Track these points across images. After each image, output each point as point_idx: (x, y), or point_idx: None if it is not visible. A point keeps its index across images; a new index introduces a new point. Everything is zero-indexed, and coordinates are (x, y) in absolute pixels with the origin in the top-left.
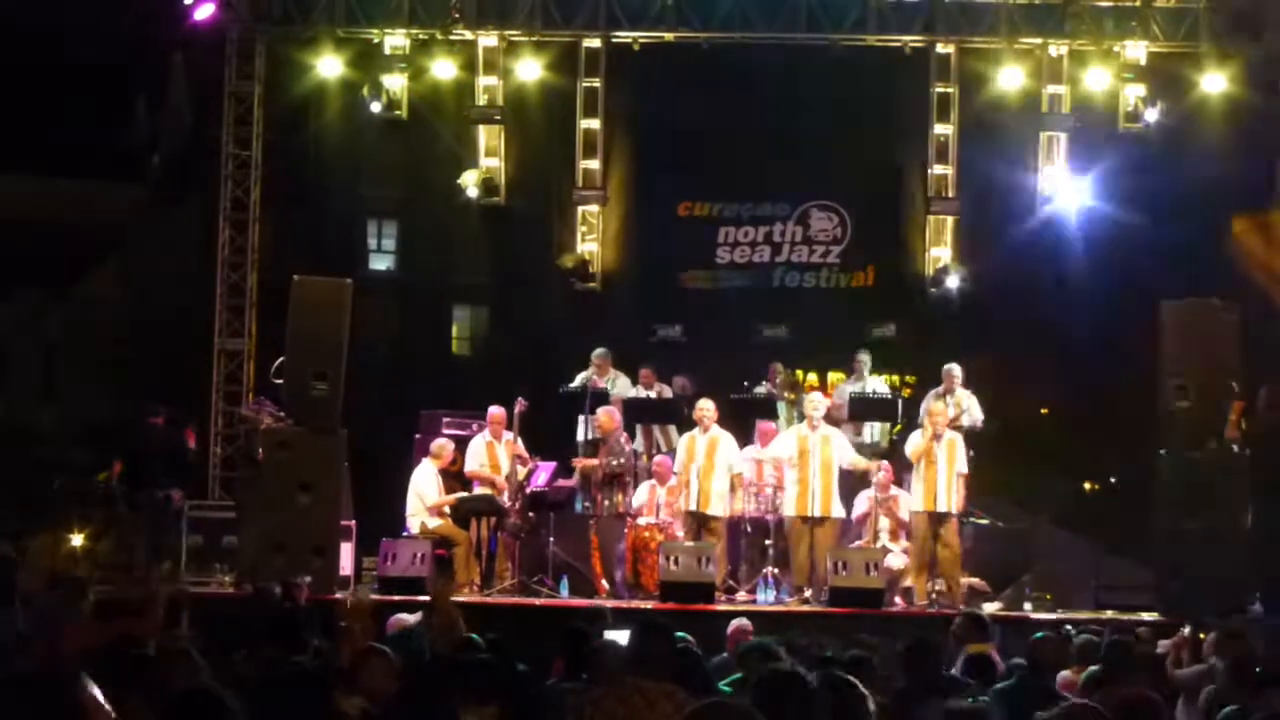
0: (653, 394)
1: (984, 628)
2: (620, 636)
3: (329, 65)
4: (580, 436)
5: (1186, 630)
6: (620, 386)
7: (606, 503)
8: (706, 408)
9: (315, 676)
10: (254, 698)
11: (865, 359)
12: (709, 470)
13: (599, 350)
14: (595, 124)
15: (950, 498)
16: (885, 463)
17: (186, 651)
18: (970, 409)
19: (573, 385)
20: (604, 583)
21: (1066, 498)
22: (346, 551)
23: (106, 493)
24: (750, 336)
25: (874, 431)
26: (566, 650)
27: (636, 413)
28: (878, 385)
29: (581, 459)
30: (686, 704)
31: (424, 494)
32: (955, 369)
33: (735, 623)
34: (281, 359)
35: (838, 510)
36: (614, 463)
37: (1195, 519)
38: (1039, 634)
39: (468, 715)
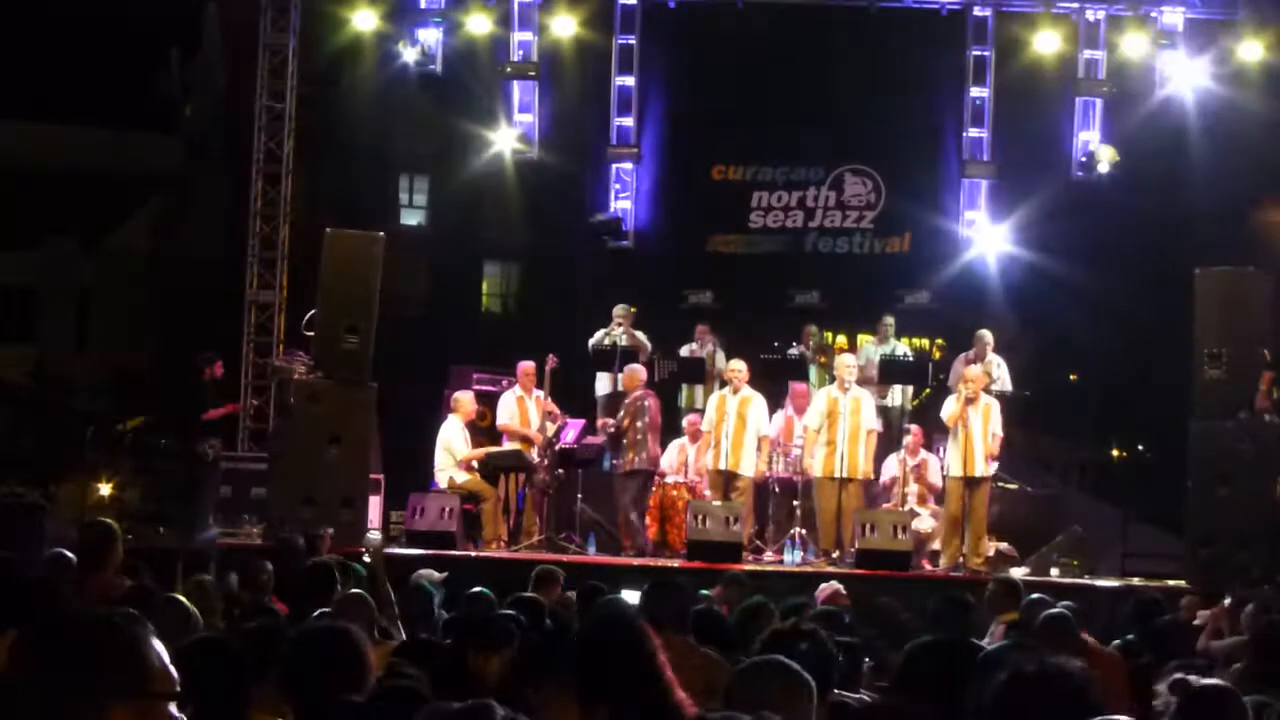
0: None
1: (1017, 594)
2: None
3: (364, 19)
4: (599, 392)
5: (1227, 601)
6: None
7: (624, 460)
8: (738, 368)
9: (345, 626)
10: (288, 650)
11: (890, 322)
12: (740, 430)
13: (621, 306)
14: (630, 81)
15: (985, 462)
16: (915, 426)
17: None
18: (1002, 376)
19: (603, 341)
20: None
21: (1095, 464)
22: (375, 505)
23: (136, 442)
24: (782, 302)
25: (899, 395)
26: (579, 607)
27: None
28: (902, 349)
29: (603, 419)
30: (699, 660)
31: (452, 449)
32: (987, 334)
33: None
34: (312, 311)
35: (866, 471)
36: (619, 424)
37: (1226, 488)
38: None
39: (476, 662)
